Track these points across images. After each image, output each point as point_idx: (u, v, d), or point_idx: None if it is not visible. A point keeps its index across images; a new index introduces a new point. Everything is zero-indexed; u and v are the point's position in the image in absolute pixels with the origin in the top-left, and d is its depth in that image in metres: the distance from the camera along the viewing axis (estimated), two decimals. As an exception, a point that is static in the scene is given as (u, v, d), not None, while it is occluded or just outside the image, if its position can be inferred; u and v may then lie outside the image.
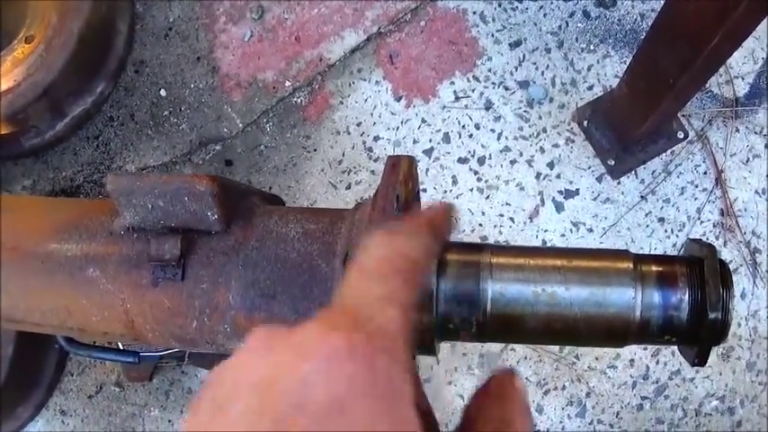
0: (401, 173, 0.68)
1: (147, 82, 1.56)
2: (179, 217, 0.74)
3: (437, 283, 0.68)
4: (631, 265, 0.70)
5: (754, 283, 1.45)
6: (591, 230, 1.45)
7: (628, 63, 1.49)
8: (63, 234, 0.80)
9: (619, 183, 1.45)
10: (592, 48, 1.51)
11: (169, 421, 1.45)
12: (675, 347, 0.76)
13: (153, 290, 0.76)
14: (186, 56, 1.55)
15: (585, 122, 1.42)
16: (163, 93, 1.55)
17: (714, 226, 1.46)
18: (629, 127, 1.33)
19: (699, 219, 1.46)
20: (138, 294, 0.77)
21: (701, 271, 0.68)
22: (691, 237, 1.46)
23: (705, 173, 1.47)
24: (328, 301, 0.70)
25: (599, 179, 1.45)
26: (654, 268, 0.70)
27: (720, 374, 1.44)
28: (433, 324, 0.68)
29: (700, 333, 0.68)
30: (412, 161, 0.72)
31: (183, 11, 1.58)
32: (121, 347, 1.29)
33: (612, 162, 1.41)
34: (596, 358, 1.42)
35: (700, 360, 0.72)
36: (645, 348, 1.43)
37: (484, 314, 0.69)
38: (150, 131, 1.54)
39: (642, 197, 1.45)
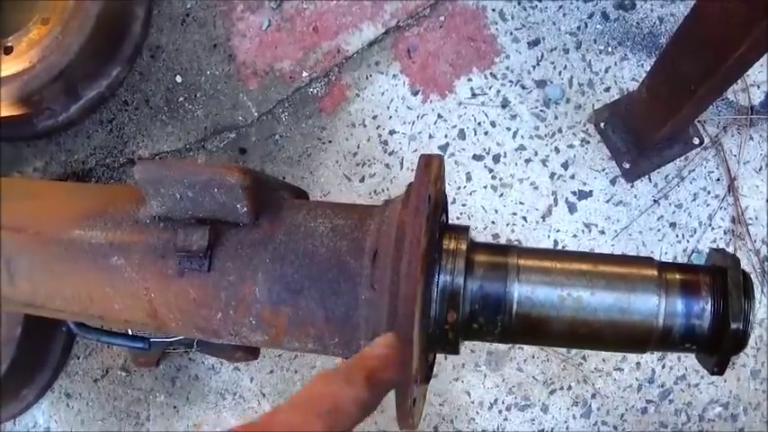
0: (433, 173, 0.68)
1: (163, 67, 1.55)
2: (207, 208, 0.74)
3: (464, 283, 0.68)
4: (656, 273, 0.70)
5: (762, 291, 1.46)
6: (603, 232, 1.45)
7: (645, 66, 1.49)
8: (87, 221, 0.80)
9: (632, 186, 1.45)
10: (610, 50, 1.50)
11: (174, 407, 1.46)
12: (689, 354, 0.76)
13: (178, 280, 0.76)
14: (203, 43, 1.55)
15: (602, 124, 1.42)
16: (178, 79, 1.54)
17: (725, 233, 1.47)
18: (647, 131, 1.33)
19: (710, 225, 1.46)
20: (163, 284, 0.76)
21: (725, 281, 0.69)
22: (701, 243, 1.47)
23: (718, 179, 1.47)
24: (355, 298, 0.70)
25: (613, 181, 1.45)
26: (678, 276, 0.70)
27: (725, 381, 1.45)
28: (458, 323, 0.68)
29: (721, 342, 0.68)
30: (441, 161, 0.72)
31: (200, -3, 1.57)
32: (131, 333, 1.28)
33: (628, 165, 1.41)
34: (603, 360, 1.42)
35: (719, 369, 0.72)
36: (652, 352, 1.43)
37: (509, 316, 0.69)
38: (165, 117, 1.53)
39: (655, 201, 1.46)
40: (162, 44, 1.57)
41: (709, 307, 0.70)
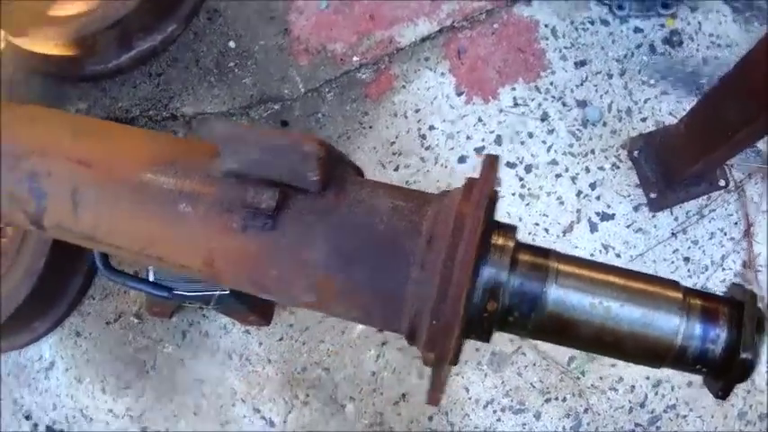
0: (495, 173, 0.72)
1: (218, 31, 1.58)
2: (280, 171, 0.77)
3: (507, 277, 0.73)
4: (681, 296, 0.75)
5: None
6: (618, 256, 1.49)
7: (683, 103, 1.53)
8: (159, 166, 0.83)
9: (653, 216, 1.50)
10: (652, 82, 1.55)
11: (181, 360, 1.49)
12: (698, 375, 0.81)
13: (241, 234, 0.79)
14: (261, 12, 1.58)
15: (636, 152, 1.46)
16: (232, 44, 1.57)
17: (734, 275, 1.51)
18: (678, 166, 1.37)
19: (722, 266, 1.50)
20: (226, 237, 0.80)
21: (741, 314, 0.74)
22: (710, 281, 1.51)
23: (736, 223, 1.52)
24: (406, 276, 0.74)
25: (636, 208, 1.50)
26: (700, 303, 0.75)
27: (712, 417, 1.50)
28: (495, 313, 0.73)
29: (729, 369, 0.73)
30: (499, 163, 0.76)
31: (264, -32, 1.60)
32: (155, 280, 1.32)
33: (654, 195, 1.45)
34: (600, 378, 1.47)
35: (723, 393, 0.77)
36: (647, 378, 1.48)
37: (543, 314, 0.73)
38: (213, 79, 1.57)
39: (673, 234, 1.50)
40: (220, 8, 1.60)
41: (724, 335, 0.75)
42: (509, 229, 0.76)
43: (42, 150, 0.88)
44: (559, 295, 0.73)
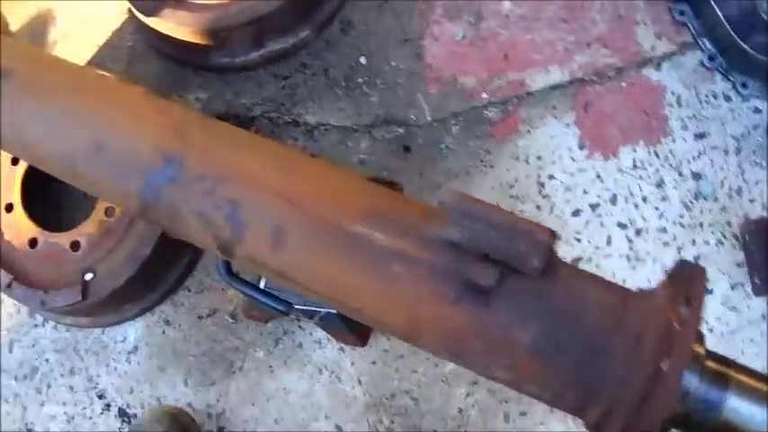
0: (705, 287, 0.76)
1: (350, 44, 1.58)
2: (504, 251, 0.78)
3: (697, 384, 0.77)
4: None
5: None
6: (711, 330, 1.52)
7: (792, 190, 1.56)
8: (373, 220, 0.84)
9: (749, 297, 1.53)
10: (764, 164, 1.58)
11: (270, 366, 1.50)
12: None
13: (452, 305, 0.80)
14: (395, 33, 1.58)
15: (747, 236, 1.50)
16: (363, 60, 1.57)
17: (815, 363, 1.56)
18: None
19: (805, 353, 1.55)
20: (436, 305, 0.81)
21: None
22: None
23: (823, 313, 1.56)
24: (607, 372, 0.76)
25: (733, 287, 1.53)
26: None
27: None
28: (678, 415, 0.77)
29: None
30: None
31: (404, -12, 1.60)
32: (273, 293, 1.32)
33: (758, 281, 1.49)
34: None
35: None
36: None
37: (718, 421, 0.77)
38: (340, 91, 1.56)
39: (763, 317, 1.54)
40: (354, 21, 1.59)
41: None
42: (700, 335, 0.79)
43: (247, 179, 0.87)
44: (736, 405, 0.78)
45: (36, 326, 1.60)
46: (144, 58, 1.65)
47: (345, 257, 0.84)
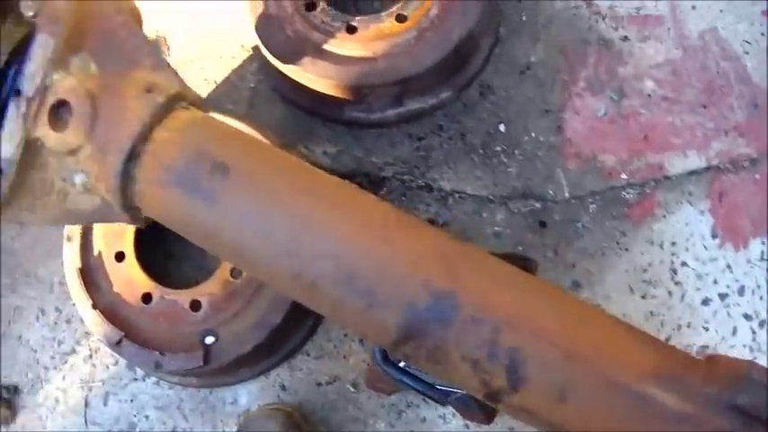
0: None
1: (489, 110, 1.53)
2: None
3: None
4: None
5: None
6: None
7: None
8: (662, 380, 0.81)
9: None
10: None
11: (390, 440, 1.45)
12: None
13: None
14: (536, 103, 1.54)
15: None
16: (502, 128, 1.53)
17: None
18: None
19: None
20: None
21: None
22: None
23: None
24: None
25: None
26: None
27: None
28: None
29: None
30: None
31: (546, 55, 1.56)
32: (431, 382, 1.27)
33: None
34: None
35: None
36: None
37: None
38: (476, 159, 1.52)
39: None
40: (494, 86, 1.55)
41: None
42: None
43: (528, 327, 0.83)
44: None
45: (135, 379, 1.51)
46: (267, 101, 1.57)
47: (632, 418, 0.81)
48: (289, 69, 1.46)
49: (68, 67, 0.93)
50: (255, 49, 1.56)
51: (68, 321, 1.57)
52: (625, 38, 1.58)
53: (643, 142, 1.54)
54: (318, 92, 1.48)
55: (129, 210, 0.93)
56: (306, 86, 1.49)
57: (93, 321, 1.39)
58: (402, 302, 0.84)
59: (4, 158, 0.91)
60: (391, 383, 1.47)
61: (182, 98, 0.94)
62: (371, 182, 1.51)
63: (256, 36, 1.47)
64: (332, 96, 1.48)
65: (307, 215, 0.87)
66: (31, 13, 0.95)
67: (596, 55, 1.57)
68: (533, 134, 1.53)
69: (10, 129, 0.90)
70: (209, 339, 1.37)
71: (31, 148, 0.92)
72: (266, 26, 1.47)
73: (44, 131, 0.92)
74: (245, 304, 1.38)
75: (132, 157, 0.88)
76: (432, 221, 1.50)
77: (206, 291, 1.40)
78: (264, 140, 1.35)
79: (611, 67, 1.56)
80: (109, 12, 0.99)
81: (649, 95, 1.56)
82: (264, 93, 1.57)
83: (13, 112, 0.91)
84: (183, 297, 1.40)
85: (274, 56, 1.46)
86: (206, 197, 0.85)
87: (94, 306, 1.39)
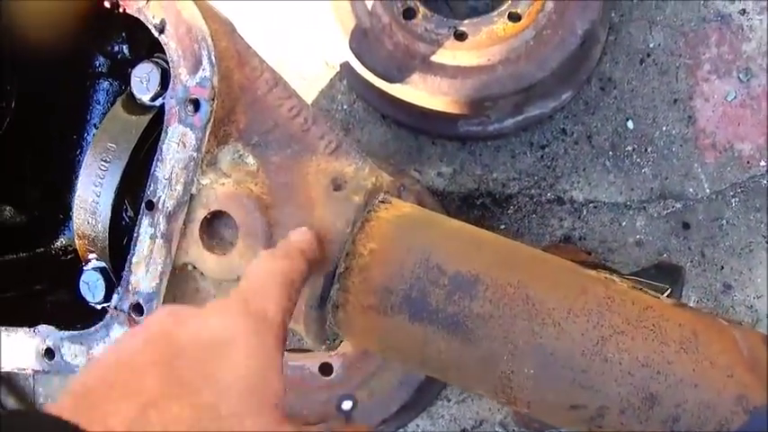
0: None
1: (613, 106, 1.38)
2: None
3: None
4: None
5: None
6: None
7: None
8: None
9: None
10: None
11: (550, 479, 1.33)
12: None
13: None
14: (662, 92, 1.39)
15: None
16: (630, 125, 1.38)
17: None
18: None
19: None
20: None
21: None
22: None
23: None
24: None
25: None
26: None
27: None
28: None
29: None
30: None
31: (664, 40, 1.41)
32: None
33: None
34: None
35: None
36: None
37: None
38: (608, 162, 1.37)
39: None
40: (615, 78, 1.40)
41: None
42: None
43: None
44: None
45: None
46: (365, 123, 1.39)
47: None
48: (394, 89, 1.29)
49: (218, 162, 0.68)
50: (344, 65, 1.37)
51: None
52: (743, 11, 1.44)
53: (778, 124, 1.42)
54: (428, 108, 1.31)
55: (325, 341, 0.74)
56: (412, 104, 1.31)
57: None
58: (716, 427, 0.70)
59: (144, 292, 0.65)
60: (546, 423, 1.35)
61: (380, 189, 0.74)
62: (495, 202, 1.36)
63: (352, 55, 1.28)
64: (445, 112, 1.31)
65: (597, 333, 0.71)
66: (156, 21, 0.66)
67: (717, 33, 1.42)
68: (664, 128, 1.39)
69: (143, 254, 0.65)
70: (347, 404, 1.22)
71: (178, 277, 0.68)
72: (363, 42, 1.29)
73: (196, 254, 0.68)
74: (383, 361, 1.23)
75: (333, 281, 0.68)
76: (567, 238, 1.36)
77: (338, 352, 1.24)
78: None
79: (734, 45, 1.42)
80: (251, 62, 0.78)
81: (779, 71, 1.43)
82: (360, 114, 1.39)
83: (146, 231, 0.66)
84: (311, 361, 1.24)
85: (378, 76, 1.28)
86: (450, 324, 0.68)
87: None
